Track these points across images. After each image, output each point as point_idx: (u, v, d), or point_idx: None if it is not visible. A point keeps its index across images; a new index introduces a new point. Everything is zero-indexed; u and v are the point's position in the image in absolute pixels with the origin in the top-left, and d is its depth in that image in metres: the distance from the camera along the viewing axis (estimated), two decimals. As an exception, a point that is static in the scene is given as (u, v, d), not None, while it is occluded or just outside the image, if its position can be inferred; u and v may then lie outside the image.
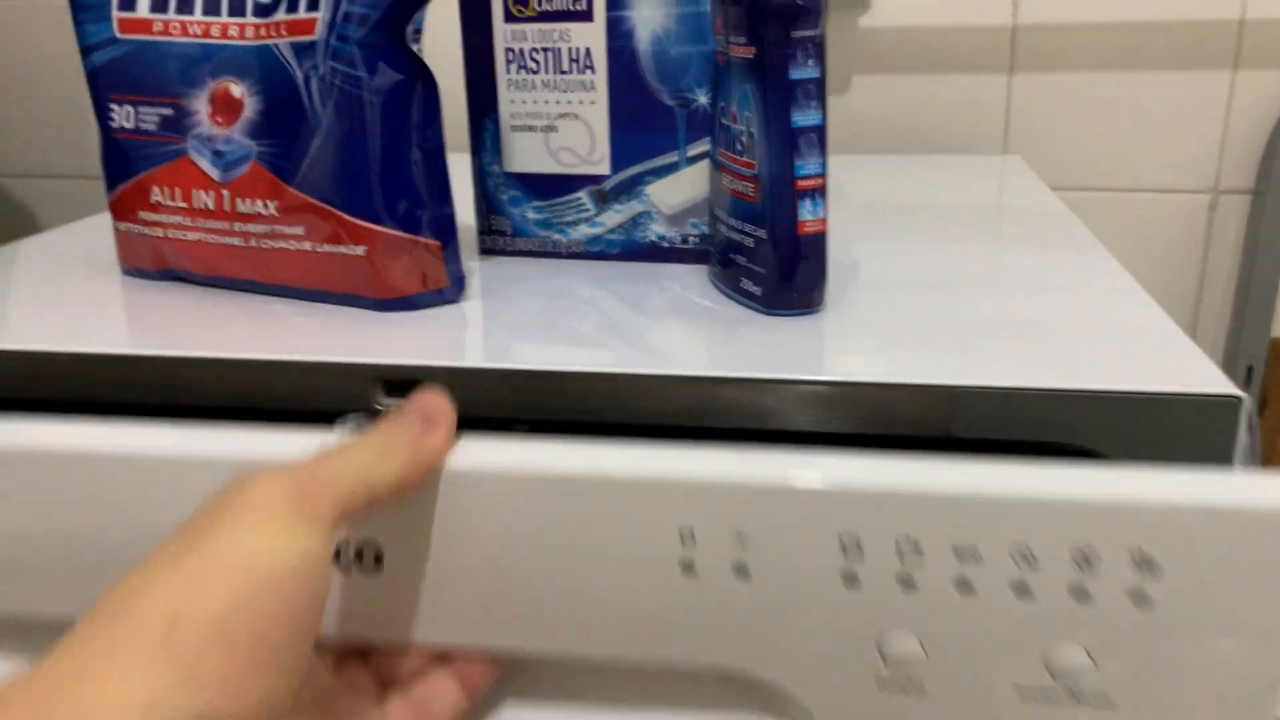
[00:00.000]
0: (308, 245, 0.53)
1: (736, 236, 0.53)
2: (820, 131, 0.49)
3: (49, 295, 0.58)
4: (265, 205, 0.54)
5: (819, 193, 0.50)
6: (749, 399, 0.44)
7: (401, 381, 0.47)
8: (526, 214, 0.63)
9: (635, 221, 0.61)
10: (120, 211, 0.59)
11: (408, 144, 0.52)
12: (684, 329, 0.50)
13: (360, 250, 0.53)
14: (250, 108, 0.54)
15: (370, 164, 0.52)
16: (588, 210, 0.62)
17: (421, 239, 0.53)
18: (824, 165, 0.50)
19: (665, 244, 0.61)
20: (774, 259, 0.50)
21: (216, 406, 0.48)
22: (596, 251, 0.63)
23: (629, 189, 0.61)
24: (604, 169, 0.61)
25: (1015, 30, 0.96)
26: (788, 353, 0.47)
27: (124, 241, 0.60)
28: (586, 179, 0.61)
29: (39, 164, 1.18)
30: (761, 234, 0.51)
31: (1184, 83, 0.95)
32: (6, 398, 0.50)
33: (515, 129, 0.62)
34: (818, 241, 0.50)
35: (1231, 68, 0.94)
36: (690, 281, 0.58)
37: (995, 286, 0.56)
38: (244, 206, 0.54)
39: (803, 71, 0.48)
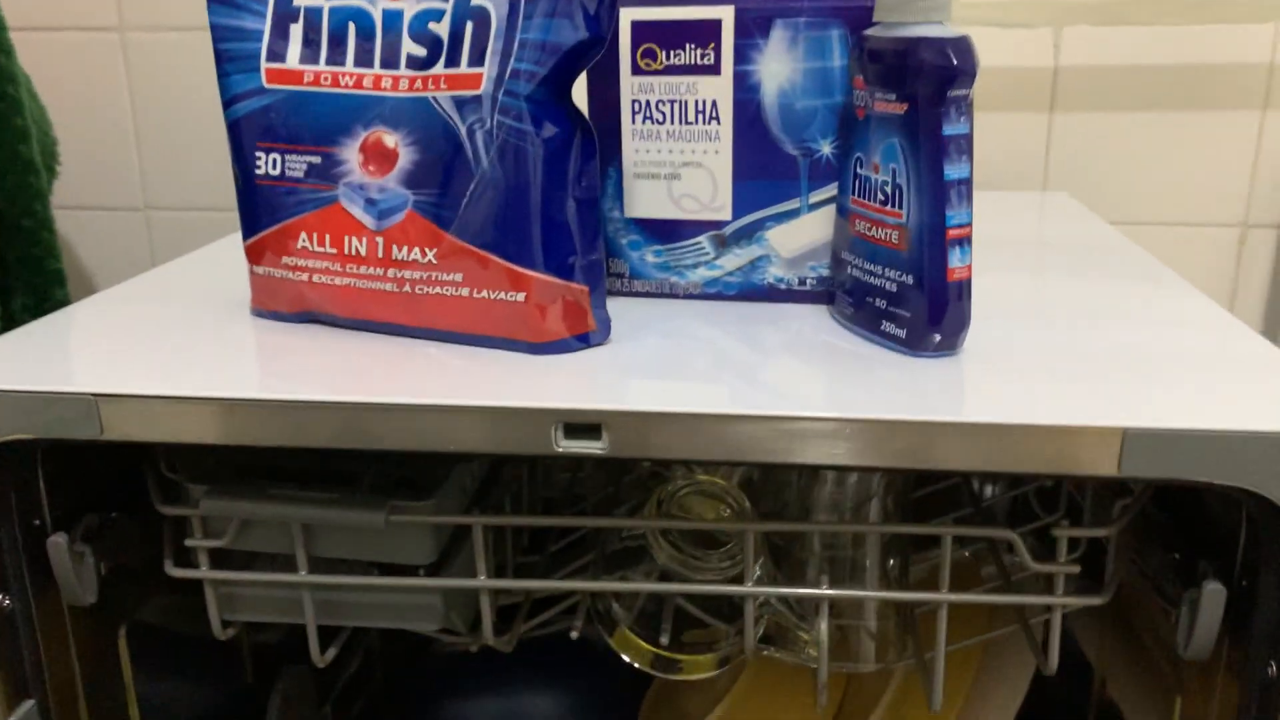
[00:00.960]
0: (465, 291, 0.55)
1: (875, 281, 0.56)
2: (969, 183, 0.52)
3: (200, 341, 0.59)
4: (423, 252, 0.55)
5: (967, 241, 0.52)
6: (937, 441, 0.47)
7: (583, 425, 0.49)
8: (645, 257, 0.65)
9: (754, 265, 0.64)
10: (259, 256, 0.60)
11: (565, 193, 0.54)
12: (839, 371, 0.52)
13: (519, 296, 0.54)
14: (405, 157, 0.55)
15: (531, 213, 0.53)
16: (707, 254, 0.64)
17: (574, 284, 0.55)
18: (971, 215, 0.52)
19: (783, 285, 0.64)
20: (923, 303, 0.53)
21: (399, 451, 0.50)
22: (713, 293, 0.65)
23: (749, 234, 0.63)
24: (725, 215, 0.63)
25: (1057, 71, 1.00)
26: (956, 392, 0.49)
27: (261, 285, 0.61)
28: (707, 224, 0.64)
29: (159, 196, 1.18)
30: (908, 279, 0.53)
31: (1215, 122, 1.00)
32: (207, 445, 0.51)
33: (638, 176, 0.64)
34: (965, 287, 0.53)
35: (1262, 108, 0.99)
36: (815, 321, 0.60)
37: (1104, 318, 0.59)
38: (399, 253, 0.56)
39: (955, 128, 0.51)
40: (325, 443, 0.50)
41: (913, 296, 0.53)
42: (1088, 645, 0.80)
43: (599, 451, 0.49)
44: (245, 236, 0.60)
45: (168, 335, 0.59)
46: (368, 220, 0.56)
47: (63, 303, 0.95)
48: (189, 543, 0.57)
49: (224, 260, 0.76)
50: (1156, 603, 0.60)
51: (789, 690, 0.89)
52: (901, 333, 0.54)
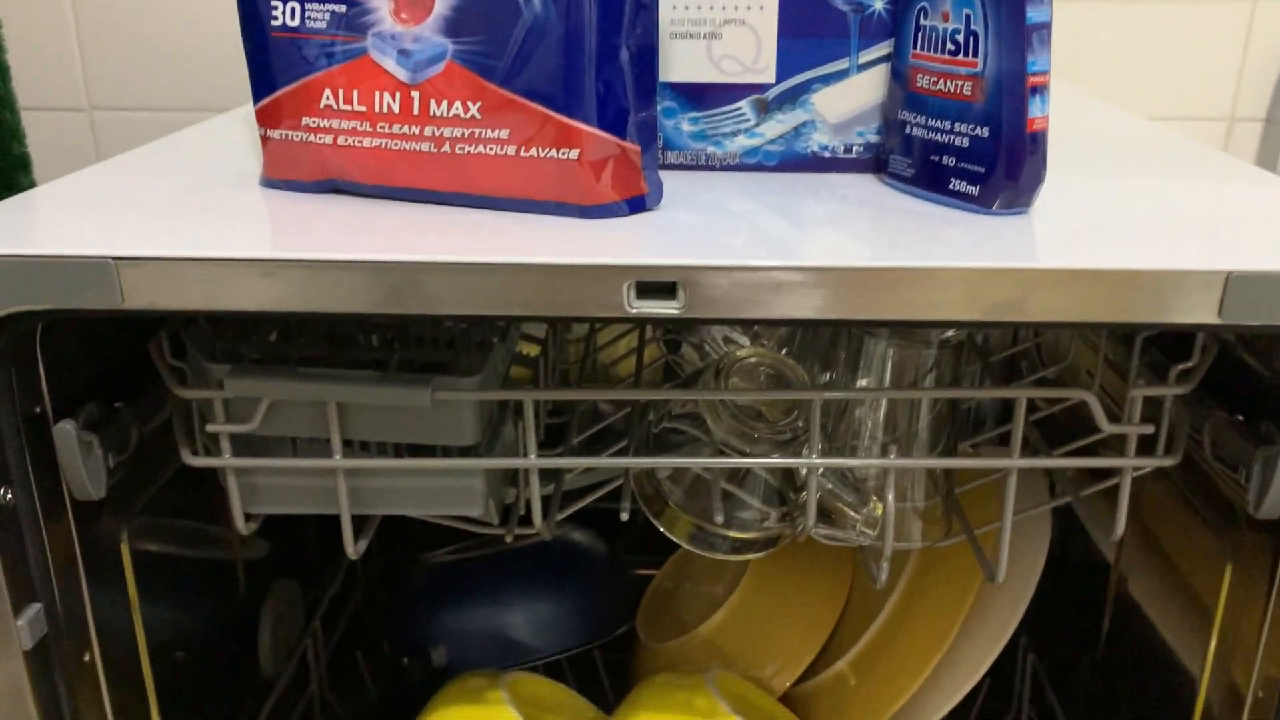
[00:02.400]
0: (511, 149, 0.51)
1: (942, 138, 0.53)
2: (1049, 28, 0.50)
3: (217, 207, 0.54)
4: (465, 107, 0.51)
5: (1045, 90, 0.50)
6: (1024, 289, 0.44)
7: (656, 284, 0.46)
8: (681, 125, 0.62)
9: (797, 132, 0.61)
10: (274, 118, 0.55)
11: (619, 41, 0.50)
12: (913, 228, 0.50)
13: (572, 154, 0.51)
14: (443, 4, 0.51)
15: (584, 61, 0.50)
16: (747, 120, 0.61)
17: (627, 142, 0.51)
18: (1050, 62, 0.50)
19: (827, 153, 0.61)
20: (1000, 155, 0.51)
21: (461, 315, 0.46)
22: (753, 164, 0.62)
23: (794, 98, 0.60)
24: (768, 77, 0.60)
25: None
26: (1039, 244, 0.47)
27: (276, 151, 0.56)
28: (749, 88, 0.60)
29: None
30: (982, 132, 0.51)
31: (1203, 14, 0.99)
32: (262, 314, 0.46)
33: (675, 36, 0.60)
34: (1042, 139, 0.51)
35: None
36: (867, 188, 0.58)
37: (1170, 178, 0.57)
38: (437, 109, 0.51)
39: (1039, -33, 0.48)
40: (377, 307, 0.46)
41: (987, 149, 0.51)
42: (1107, 541, 0.80)
43: (674, 312, 0.46)
44: (257, 98, 0.55)
45: (180, 203, 0.54)
46: (401, 73, 0.52)
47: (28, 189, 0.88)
48: (213, 428, 0.53)
49: (205, 144, 0.70)
50: (1208, 471, 0.59)
51: (786, 600, 0.88)
52: (973, 189, 0.52)
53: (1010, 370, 0.90)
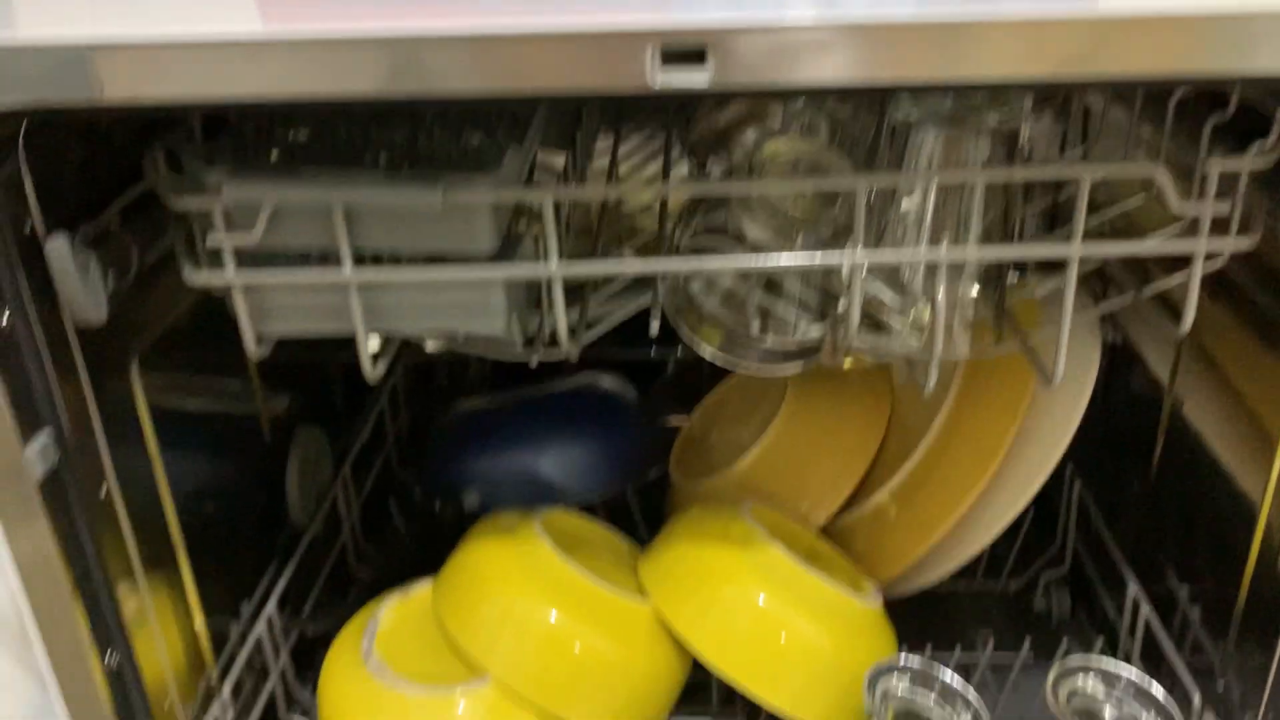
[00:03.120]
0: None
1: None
2: None
3: None
4: None
5: None
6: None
7: (683, 51, 0.41)
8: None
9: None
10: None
11: None
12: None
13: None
14: None
15: None
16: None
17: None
18: None
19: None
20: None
21: (467, 98, 0.42)
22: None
23: None
24: None
25: None
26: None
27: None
28: None
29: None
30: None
31: None
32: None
33: None
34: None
35: None
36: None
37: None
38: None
39: None
40: (376, 89, 0.42)
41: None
42: (1162, 363, 0.77)
43: (702, 83, 0.42)
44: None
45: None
46: None
47: None
48: (213, 238, 0.49)
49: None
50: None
51: (822, 435, 0.86)
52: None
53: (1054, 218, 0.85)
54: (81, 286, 0.49)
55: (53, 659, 0.56)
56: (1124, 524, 0.81)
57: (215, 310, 0.72)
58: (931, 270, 0.53)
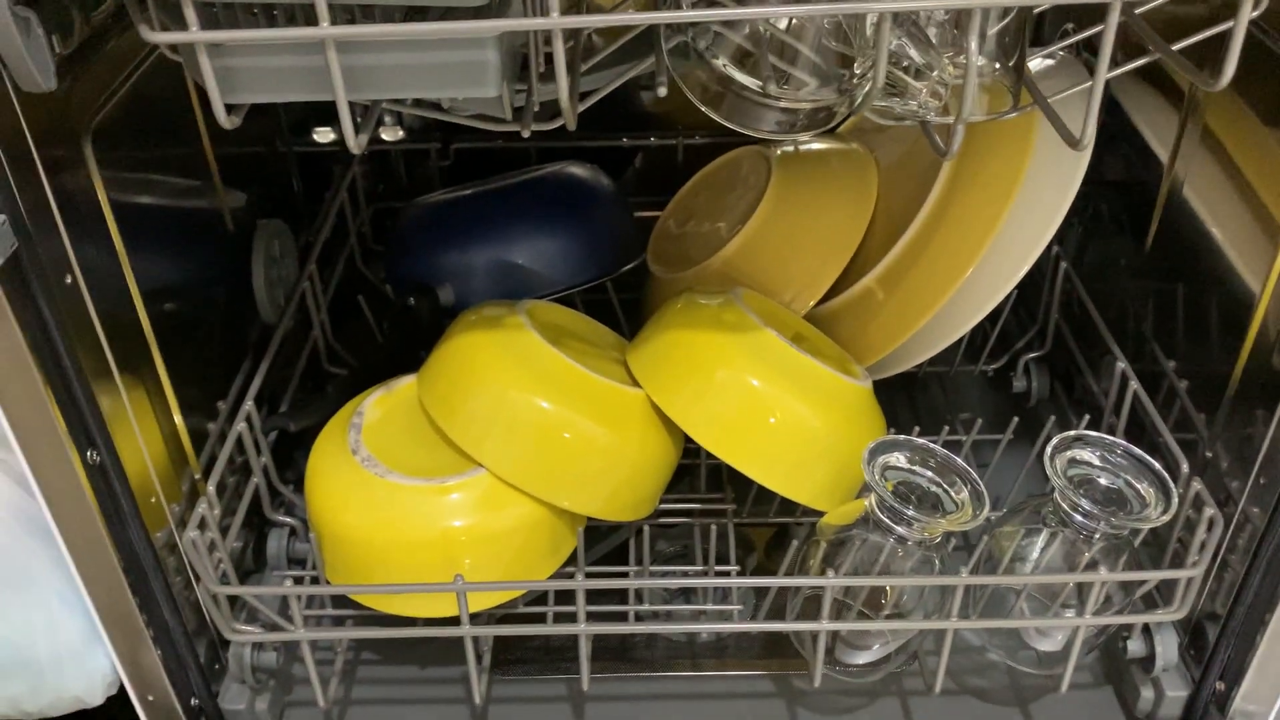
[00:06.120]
0: None
1: None
2: None
3: None
4: None
5: None
6: None
7: None
8: None
9: None
10: None
11: None
12: None
13: None
14: None
15: None
16: None
17: None
18: None
19: None
20: None
21: None
22: None
23: None
24: None
25: None
26: None
27: None
28: None
29: None
30: None
31: None
32: None
33: None
34: None
35: None
36: None
37: None
38: None
39: None
40: None
41: None
42: (1162, 144, 0.74)
43: None
44: None
45: None
46: None
47: None
48: (170, -12, 0.44)
49: None
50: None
51: (806, 224, 0.83)
52: None
53: None
54: (24, 47, 0.44)
55: (31, 458, 0.53)
56: (1109, 303, 0.81)
57: (170, 86, 0.67)
58: (957, 25, 0.50)
